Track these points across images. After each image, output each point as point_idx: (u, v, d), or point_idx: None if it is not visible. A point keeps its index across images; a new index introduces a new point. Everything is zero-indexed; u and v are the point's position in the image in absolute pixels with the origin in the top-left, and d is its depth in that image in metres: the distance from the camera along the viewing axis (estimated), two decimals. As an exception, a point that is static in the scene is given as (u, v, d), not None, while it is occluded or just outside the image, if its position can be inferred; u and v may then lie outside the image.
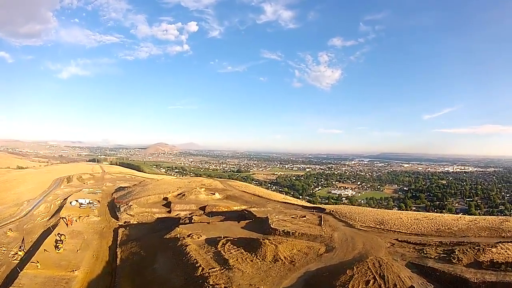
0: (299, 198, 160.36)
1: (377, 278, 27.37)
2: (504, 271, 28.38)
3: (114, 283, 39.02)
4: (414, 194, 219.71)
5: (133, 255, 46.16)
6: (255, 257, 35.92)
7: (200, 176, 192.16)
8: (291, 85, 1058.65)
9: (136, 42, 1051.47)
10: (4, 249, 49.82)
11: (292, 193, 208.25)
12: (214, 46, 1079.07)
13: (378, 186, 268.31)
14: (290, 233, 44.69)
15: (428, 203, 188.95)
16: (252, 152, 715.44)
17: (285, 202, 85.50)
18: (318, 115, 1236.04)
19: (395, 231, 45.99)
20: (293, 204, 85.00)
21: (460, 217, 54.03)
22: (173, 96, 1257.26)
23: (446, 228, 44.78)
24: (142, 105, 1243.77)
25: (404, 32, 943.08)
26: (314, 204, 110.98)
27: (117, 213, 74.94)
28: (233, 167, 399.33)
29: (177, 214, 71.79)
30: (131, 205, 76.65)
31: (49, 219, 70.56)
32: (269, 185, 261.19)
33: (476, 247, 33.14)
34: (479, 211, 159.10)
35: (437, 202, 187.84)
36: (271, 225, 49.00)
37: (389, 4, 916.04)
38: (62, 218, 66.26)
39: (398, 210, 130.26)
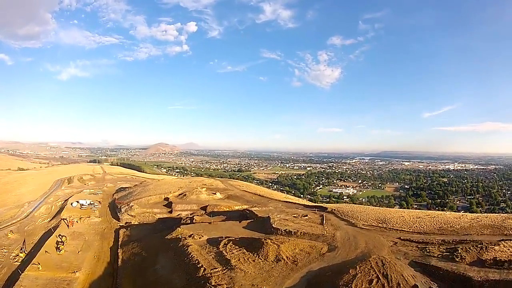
0: (301, 197, 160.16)
1: (380, 277, 27.20)
2: (507, 269, 28.16)
3: (116, 284, 38.95)
4: (415, 192, 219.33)
5: (135, 255, 46.06)
6: (257, 257, 35.77)
7: (201, 176, 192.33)
8: (291, 84, 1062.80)
9: (136, 43, 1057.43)
10: (5, 251, 49.77)
11: (293, 192, 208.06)
12: (214, 46, 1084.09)
13: (379, 185, 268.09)
14: (292, 233, 44.49)
15: (430, 201, 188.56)
16: (253, 152, 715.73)
17: (287, 201, 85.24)
18: (318, 114, 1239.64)
19: (397, 229, 45.80)
20: (295, 203, 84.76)
21: (462, 215, 53.80)
22: (173, 97, 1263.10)
23: (449, 226, 44.57)
24: (142, 106, 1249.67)
25: (403, 30, 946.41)
26: (315, 203, 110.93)
27: (118, 213, 74.82)
28: (234, 167, 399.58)
29: (178, 214, 71.62)
30: (132, 205, 76.56)
31: (50, 220, 70.55)
32: (270, 184, 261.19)
33: (479, 245, 32.94)
34: (480, 208, 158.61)
35: (439, 200, 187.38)
36: (273, 225, 48.80)
37: (389, 2, 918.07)
38: (63, 219, 66.20)
39: (400, 208, 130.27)
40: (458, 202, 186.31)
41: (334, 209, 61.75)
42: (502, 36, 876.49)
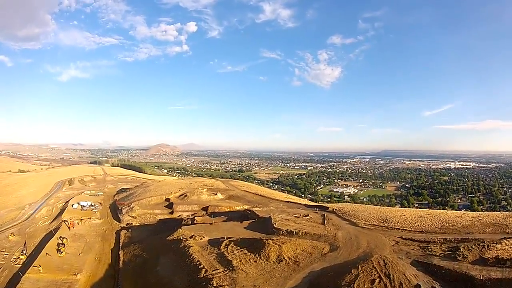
0: (302, 197, 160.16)
1: (383, 277, 27.08)
2: (510, 267, 28.02)
3: (117, 286, 38.92)
4: (416, 191, 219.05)
5: (136, 257, 45.97)
6: (258, 258, 35.66)
7: (201, 177, 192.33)
8: (291, 83, 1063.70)
9: (136, 43, 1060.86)
10: (6, 253, 49.75)
11: (294, 192, 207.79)
12: (214, 46, 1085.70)
13: (380, 184, 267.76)
14: (294, 233, 44.41)
15: (431, 199, 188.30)
16: (253, 152, 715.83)
17: (288, 201, 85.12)
18: (319, 114, 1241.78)
19: (399, 228, 45.68)
20: (296, 203, 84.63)
21: (464, 213, 53.71)
22: (173, 97, 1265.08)
23: (450, 225, 44.45)
24: (142, 106, 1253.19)
25: (403, 29, 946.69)
26: (316, 202, 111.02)
27: (119, 215, 74.76)
28: (235, 167, 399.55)
29: (180, 215, 71.60)
30: (133, 206, 76.49)
31: (51, 222, 70.51)
32: (271, 184, 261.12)
33: (481, 244, 32.84)
34: (481, 207, 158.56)
35: (440, 199, 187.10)
36: (274, 225, 48.72)
37: (388, 0, 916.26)
38: (64, 221, 66.15)
39: (401, 207, 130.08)
40: (459, 201, 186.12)
41: (336, 209, 61.69)
42: (502, 34, 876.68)
